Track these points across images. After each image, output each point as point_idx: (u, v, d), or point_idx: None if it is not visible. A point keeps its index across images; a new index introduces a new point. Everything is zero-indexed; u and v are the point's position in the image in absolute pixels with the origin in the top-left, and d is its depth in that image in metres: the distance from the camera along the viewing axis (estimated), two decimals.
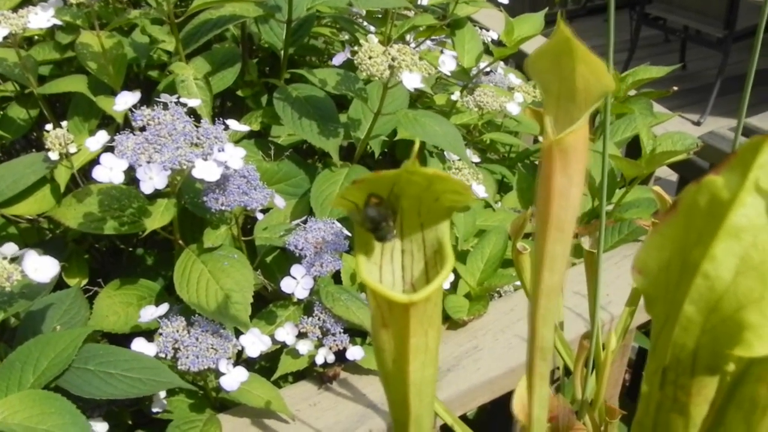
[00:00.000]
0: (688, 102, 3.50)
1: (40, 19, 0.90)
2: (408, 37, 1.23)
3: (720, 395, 0.29)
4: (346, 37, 1.24)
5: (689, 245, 0.27)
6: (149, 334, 0.78)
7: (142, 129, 0.76)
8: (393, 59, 0.82)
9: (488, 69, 1.24)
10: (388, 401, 0.37)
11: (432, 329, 0.33)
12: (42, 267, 0.68)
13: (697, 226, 0.26)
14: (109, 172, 0.73)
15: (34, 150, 1.11)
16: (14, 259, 0.68)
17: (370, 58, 0.83)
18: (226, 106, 1.23)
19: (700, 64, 4.01)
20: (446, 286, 0.89)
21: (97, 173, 0.73)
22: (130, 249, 1.01)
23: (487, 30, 1.36)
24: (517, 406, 0.42)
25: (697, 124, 3.36)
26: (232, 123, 0.81)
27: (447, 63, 1.00)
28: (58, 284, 0.83)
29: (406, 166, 0.30)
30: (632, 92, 1.35)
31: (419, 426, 0.36)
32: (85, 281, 0.90)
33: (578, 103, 0.31)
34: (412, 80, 0.82)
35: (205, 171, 0.73)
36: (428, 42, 1.30)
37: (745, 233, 0.26)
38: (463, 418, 1.02)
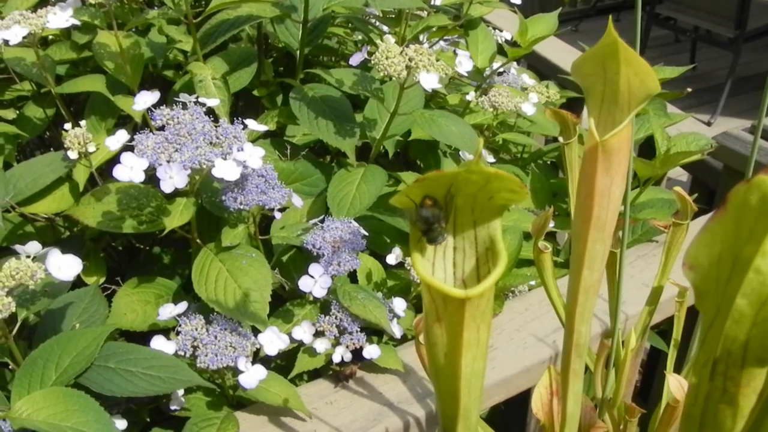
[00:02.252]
0: (699, 102, 3.49)
1: (59, 19, 0.90)
2: (421, 37, 1.24)
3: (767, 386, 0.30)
4: (360, 37, 1.24)
5: (740, 242, 0.27)
6: (165, 332, 0.78)
7: (162, 128, 0.77)
8: (410, 59, 0.83)
9: (502, 69, 1.24)
10: (437, 395, 0.37)
11: (484, 324, 0.33)
12: (65, 265, 0.69)
13: (749, 223, 0.27)
14: (130, 171, 0.73)
15: (51, 149, 1.11)
16: (36, 258, 0.69)
17: (387, 58, 0.83)
18: (238, 105, 1.24)
19: (710, 64, 4.00)
20: None
21: (118, 172, 0.73)
22: (147, 248, 1.02)
23: (501, 31, 1.37)
24: (536, 405, 0.42)
25: (708, 124, 3.35)
26: (251, 123, 0.82)
27: (464, 63, 1.00)
28: (76, 283, 0.83)
29: (469, 165, 0.30)
30: None
31: (467, 419, 0.36)
32: (102, 280, 0.91)
33: (621, 105, 0.32)
34: (429, 80, 0.83)
35: (225, 170, 0.74)
36: (441, 42, 1.30)
37: None
38: None
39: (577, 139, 0.64)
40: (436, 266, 0.34)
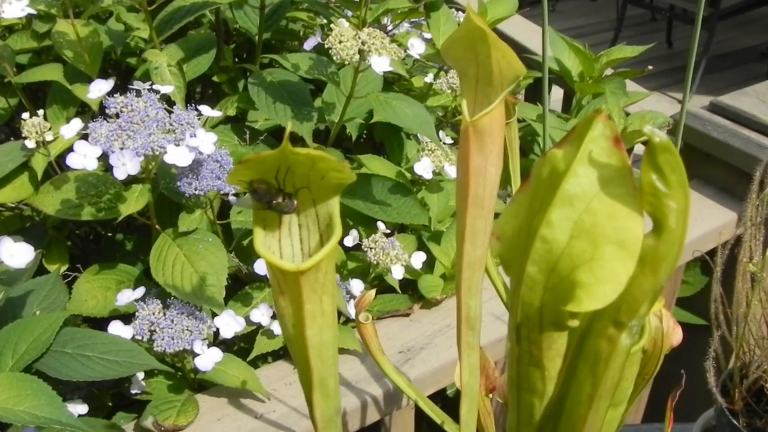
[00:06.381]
0: (674, 81, 3.51)
1: (14, 8, 0.91)
2: (385, 20, 1.24)
3: (570, 350, 0.32)
4: (324, 21, 1.24)
5: (533, 212, 0.29)
6: (128, 317, 0.79)
7: (117, 116, 0.78)
8: (363, 43, 0.84)
9: None
10: (295, 364, 0.39)
11: (326, 296, 0.35)
12: (17, 253, 0.70)
13: (541, 194, 0.29)
14: (83, 159, 0.74)
15: (12, 138, 1.12)
16: None
17: (340, 42, 0.84)
18: (207, 92, 1.24)
19: (686, 42, 4.01)
20: (419, 266, 0.91)
21: (72, 160, 0.74)
22: (110, 235, 1.03)
23: (464, 12, 1.37)
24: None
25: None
26: (205, 109, 0.83)
27: (416, 46, 1.01)
28: (39, 270, 0.84)
29: (282, 148, 0.32)
30: (610, 72, 1.36)
31: (324, 386, 0.38)
32: (65, 267, 0.92)
33: (495, 86, 0.33)
34: (381, 63, 0.83)
35: (177, 156, 0.75)
36: (406, 24, 1.30)
37: (578, 200, 0.28)
38: (443, 395, 1.04)
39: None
40: (283, 242, 0.36)
